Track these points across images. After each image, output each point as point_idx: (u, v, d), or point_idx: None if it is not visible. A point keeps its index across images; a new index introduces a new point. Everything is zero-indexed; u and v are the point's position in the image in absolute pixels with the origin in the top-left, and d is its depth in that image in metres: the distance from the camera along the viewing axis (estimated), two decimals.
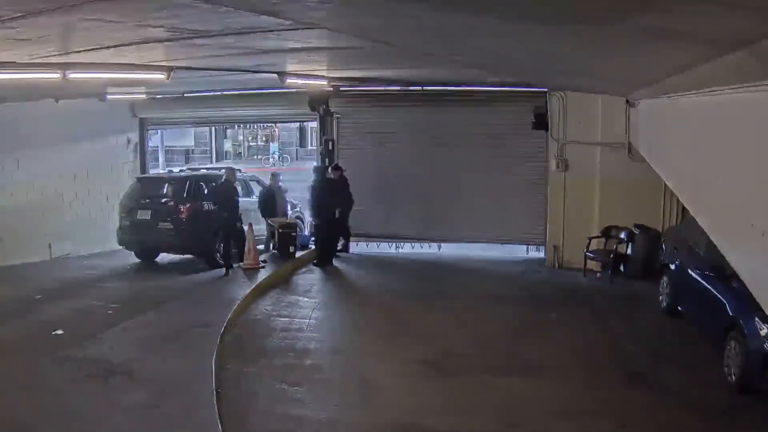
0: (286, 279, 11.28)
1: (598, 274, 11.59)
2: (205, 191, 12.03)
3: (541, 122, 12.21)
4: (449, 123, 13.29)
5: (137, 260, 12.31)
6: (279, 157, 34.71)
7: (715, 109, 4.02)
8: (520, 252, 13.55)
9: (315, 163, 14.61)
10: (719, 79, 3.62)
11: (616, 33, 3.35)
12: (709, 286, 7.77)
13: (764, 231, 2.96)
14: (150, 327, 8.34)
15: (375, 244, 13.97)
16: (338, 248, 13.02)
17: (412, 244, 13.85)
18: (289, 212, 13.69)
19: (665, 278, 9.49)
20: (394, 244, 13.96)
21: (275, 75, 9.38)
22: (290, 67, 9.21)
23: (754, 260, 3.29)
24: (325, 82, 11.63)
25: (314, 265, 12.20)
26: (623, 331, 8.78)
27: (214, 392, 6.27)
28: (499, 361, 7.73)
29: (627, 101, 10.64)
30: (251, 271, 11.08)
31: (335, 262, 12.42)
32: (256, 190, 13.51)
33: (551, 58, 5.88)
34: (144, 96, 12.54)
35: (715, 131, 4.15)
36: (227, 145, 36.47)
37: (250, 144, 37.57)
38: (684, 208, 9.16)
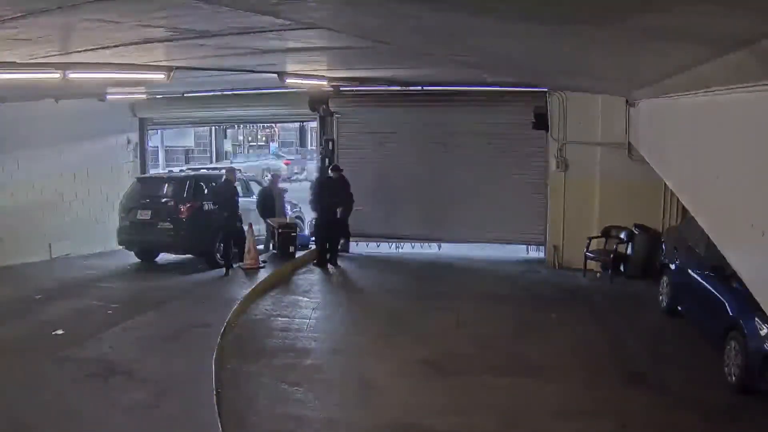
0: (286, 279, 11.28)
1: (598, 274, 11.59)
2: (205, 191, 12.03)
3: (541, 122, 12.20)
4: (449, 123, 13.29)
5: (137, 260, 12.31)
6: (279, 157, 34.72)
7: (715, 109, 4.01)
8: (520, 252, 13.56)
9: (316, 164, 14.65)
10: (719, 79, 3.62)
11: (616, 33, 3.35)
12: (709, 286, 7.77)
13: (764, 231, 2.95)
14: (150, 327, 8.34)
15: (375, 244, 13.97)
16: (339, 248, 13.02)
17: (412, 244, 13.85)
18: (289, 212, 13.69)
19: (665, 278, 9.49)
20: (393, 244, 13.96)
21: (275, 75, 9.38)
22: (290, 67, 9.21)
23: (754, 260, 3.29)
24: (325, 82, 11.63)
25: (314, 265, 12.20)
26: (623, 331, 8.78)
27: (214, 392, 6.27)
28: (499, 361, 7.73)
29: (627, 101, 10.64)
30: (251, 271, 11.08)
31: (338, 262, 12.40)
32: (257, 190, 13.52)
33: (551, 58, 5.88)
34: (144, 96, 12.54)
35: (715, 131, 4.15)
36: (227, 145, 36.45)
37: (251, 144, 37.56)
38: (684, 208, 9.15)
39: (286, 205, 13.60)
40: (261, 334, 8.54)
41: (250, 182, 14.25)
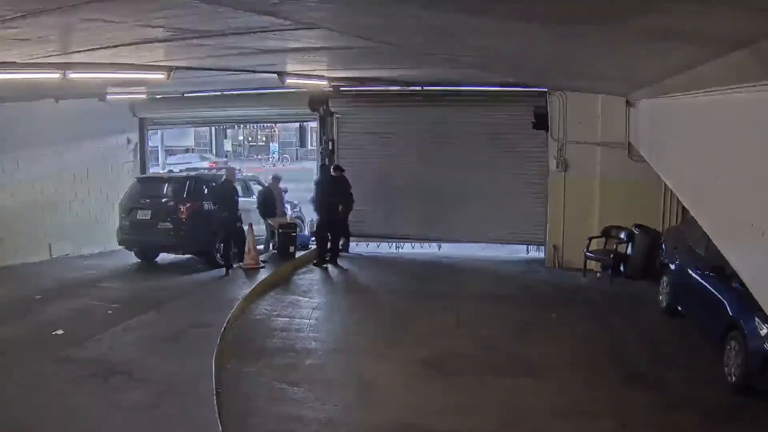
0: (286, 279, 11.28)
1: (598, 274, 11.59)
2: (205, 191, 12.03)
3: (541, 122, 12.20)
4: (449, 123, 13.29)
5: (137, 260, 12.31)
6: (279, 157, 34.76)
7: (715, 109, 4.02)
8: (520, 252, 13.55)
9: (317, 163, 14.65)
10: (719, 79, 3.62)
11: (616, 33, 3.35)
12: (709, 286, 7.77)
13: (764, 231, 2.96)
14: (150, 327, 8.34)
15: (375, 244, 13.97)
16: (339, 248, 13.03)
17: (412, 244, 13.85)
18: (289, 212, 13.69)
19: (665, 278, 9.49)
20: (394, 244, 13.96)
21: (275, 75, 9.38)
22: (290, 67, 9.21)
23: (754, 260, 3.29)
24: (325, 82, 11.63)
25: (314, 265, 12.20)
26: (623, 331, 8.78)
27: (214, 392, 6.26)
28: (499, 361, 7.73)
29: (627, 101, 10.64)
30: (251, 271, 11.08)
31: (338, 262, 12.41)
32: (257, 190, 13.52)
33: (552, 58, 5.88)
34: (144, 96, 12.54)
35: (715, 131, 4.15)
36: (227, 145, 36.51)
37: (251, 144, 37.61)
38: (684, 208, 9.16)
39: (286, 205, 13.61)
40: (261, 334, 8.54)
41: (250, 182, 14.25)
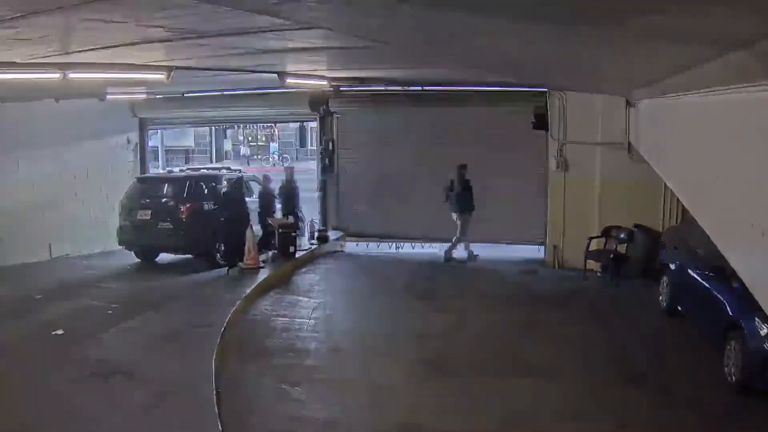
0: (286, 279, 11.28)
1: (598, 274, 11.59)
2: (205, 191, 12.03)
3: (541, 122, 12.20)
4: (449, 123, 13.29)
5: (137, 260, 12.31)
6: (279, 157, 34.75)
7: (715, 109, 4.01)
8: (520, 252, 13.55)
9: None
10: (719, 79, 3.62)
11: (616, 33, 3.35)
12: (709, 286, 7.77)
13: (764, 231, 2.96)
14: (150, 327, 8.34)
15: (375, 244, 13.96)
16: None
17: (412, 244, 13.85)
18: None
19: (665, 278, 9.49)
20: (394, 244, 13.95)
21: (275, 75, 9.38)
22: (290, 67, 9.21)
23: (754, 260, 3.29)
24: (325, 82, 11.63)
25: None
26: (623, 331, 8.77)
27: (214, 392, 6.27)
28: (499, 361, 7.73)
29: (627, 101, 10.63)
30: (251, 271, 11.08)
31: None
32: (257, 190, 13.50)
33: (552, 58, 5.88)
34: (144, 96, 12.54)
35: (715, 131, 4.15)
36: (227, 145, 36.50)
37: (251, 144, 37.59)
38: (684, 208, 9.15)
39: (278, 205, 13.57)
40: (261, 334, 8.54)
41: (251, 182, 14.23)
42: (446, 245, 12.97)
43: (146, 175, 14.48)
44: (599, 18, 2.91)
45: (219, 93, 14.07)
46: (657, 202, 11.36)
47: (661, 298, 9.55)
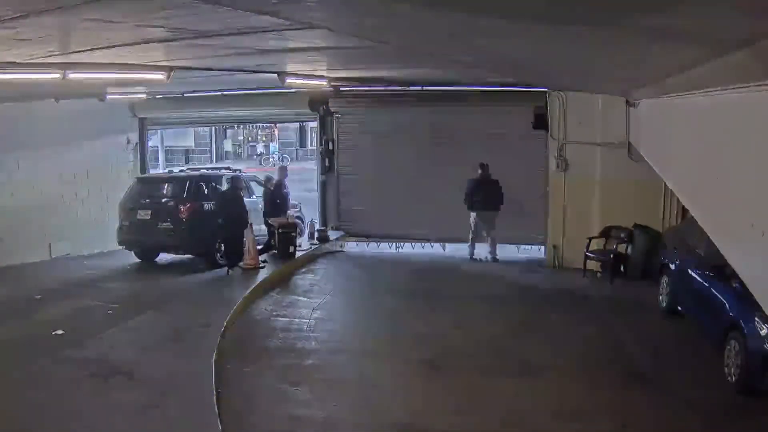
0: (286, 279, 11.28)
1: (598, 274, 11.58)
2: (206, 191, 12.03)
3: (541, 122, 12.20)
4: (449, 123, 13.29)
5: (137, 260, 12.31)
6: (279, 157, 34.75)
7: (715, 109, 4.01)
8: (520, 252, 13.54)
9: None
10: (719, 79, 3.62)
11: (616, 33, 3.35)
12: (709, 286, 7.77)
13: (764, 231, 2.96)
14: (150, 327, 8.35)
15: (375, 244, 13.96)
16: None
17: (413, 244, 13.84)
18: (290, 212, 13.67)
19: (665, 278, 9.48)
20: (394, 244, 13.95)
21: (275, 75, 9.39)
22: (290, 67, 9.22)
23: (754, 260, 3.29)
24: (325, 82, 11.63)
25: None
26: (623, 331, 8.77)
27: (214, 392, 6.27)
28: (499, 361, 7.73)
29: (627, 101, 10.63)
30: (251, 271, 11.08)
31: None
32: (257, 190, 13.50)
33: (552, 58, 5.88)
34: (144, 96, 12.54)
35: (715, 131, 4.15)
36: (227, 145, 36.50)
37: (251, 144, 37.61)
38: (684, 208, 9.16)
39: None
40: (261, 334, 8.54)
41: (251, 182, 14.22)
42: (446, 245, 12.95)
43: (146, 175, 14.49)
44: (599, 18, 2.91)
45: (219, 93, 14.07)
46: (657, 202, 11.35)
47: (661, 298, 9.55)
